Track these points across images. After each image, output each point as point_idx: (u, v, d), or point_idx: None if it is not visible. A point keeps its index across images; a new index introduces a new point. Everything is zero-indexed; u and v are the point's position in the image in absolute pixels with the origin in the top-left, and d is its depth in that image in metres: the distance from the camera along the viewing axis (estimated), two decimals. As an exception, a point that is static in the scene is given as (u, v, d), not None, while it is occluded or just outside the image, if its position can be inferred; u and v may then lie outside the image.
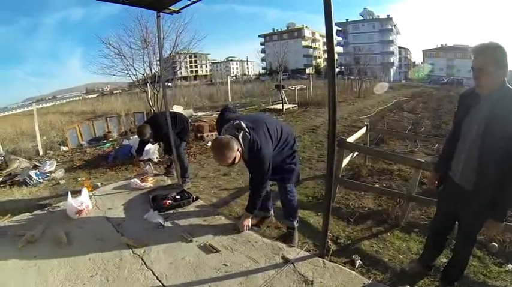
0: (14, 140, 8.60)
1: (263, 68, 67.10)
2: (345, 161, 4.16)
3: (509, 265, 2.45)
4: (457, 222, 2.10)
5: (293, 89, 15.19)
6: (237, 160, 2.20)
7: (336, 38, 54.00)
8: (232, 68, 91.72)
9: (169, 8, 3.30)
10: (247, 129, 2.25)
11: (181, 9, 3.37)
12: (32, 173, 5.02)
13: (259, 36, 77.04)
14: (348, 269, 2.15)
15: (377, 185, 4.14)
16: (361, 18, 62.86)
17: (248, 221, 2.62)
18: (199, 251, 2.34)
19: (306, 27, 71.59)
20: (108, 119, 9.44)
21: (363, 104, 14.58)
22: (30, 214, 3.13)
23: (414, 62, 71.24)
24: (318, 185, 4.27)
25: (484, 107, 1.75)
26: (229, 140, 2.15)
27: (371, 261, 2.54)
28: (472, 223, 1.92)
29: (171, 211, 3.05)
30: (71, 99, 38.36)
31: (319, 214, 3.33)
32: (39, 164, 5.80)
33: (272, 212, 3.10)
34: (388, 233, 2.99)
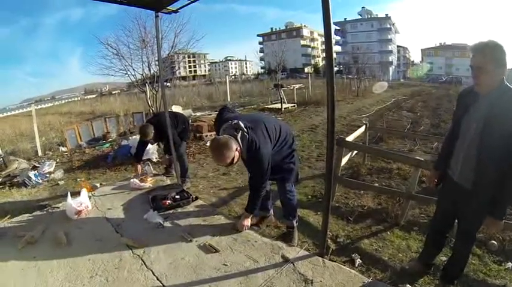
0: (13, 141, 8.57)
1: (262, 68, 67.27)
2: (344, 160, 4.16)
3: (509, 263, 2.45)
4: (456, 220, 2.11)
5: (292, 88, 15.19)
6: (235, 160, 2.20)
7: (335, 37, 54.00)
8: (231, 67, 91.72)
9: (168, 8, 3.29)
10: (245, 129, 2.25)
11: (179, 9, 3.36)
12: (31, 174, 5.01)
13: (258, 35, 77.22)
14: (348, 268, 2.15)
15: (376, 184, 4.14)
16: (360, 17, 62.89)
17: (247, 221, 2.62)
18: (199, 251, 2.34)
19: (305, 26, 71.63)
20: (107, 119, 9.41)
21: (362, 103, 14.60)
22: (29, 214, 3.12)
23: (413, 61, 71.39)
24: (317, 184, 4.27)
25: (482, 105, 1.75)
26: (228, 140, 2.14)
27: (371, 260, 2.54)
28: (472, 221, 1.93)
29: (171, 211, 3.04)
30: (70, 99, 38.29)
31: (318, 213, 3.33)
32: (38, 165, 5.79)
33: (271, 211, 3.10)
34: (388, 232, 2.99)
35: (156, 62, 8.24)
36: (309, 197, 3.91)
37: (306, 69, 60.17)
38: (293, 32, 71.06)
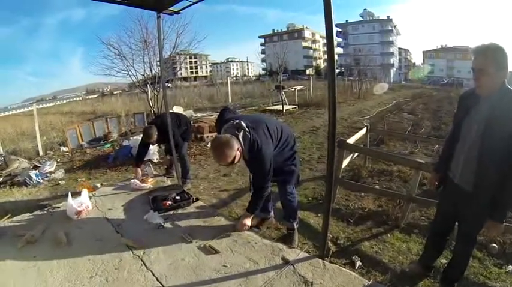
0: (14, 140, 8.60)
1: (263, 69, 67.20)
2: (345, 162, 4.15)
3: (509, 266, 2.44)
4: (457, 223, 2.10)
5: (293, 89, 15.19)
6: (236, 159, 2.18)
7: (336, 39, 54.01)
8: (233, 68, 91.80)
9: (170, 8, 3.30)
10: (247, 129, 2.24)
11: (181, 10, 3.37)
12: (32, 173, 5.02)
13: (260, 37, 77.28)
14: (348, 271, 2.14)
15: (377, 186, 4.13)
16: (361, 19, 62.94)
17: (248, 221, 2.59)
18: (199, 252, 2.34)
19: (306, 28, 71.70)
20: (108, 119, 9.43)
21: (363, 105, 14.59)
22: (30, 214, 3.12)
23: (414, 63, 71.30)
24: (318, 186, 4.27)
25: (483, 107, 1.75)
26: (229, 139, 2.14)
27: (371, 262, 2.54)
28: (472, 224, 1.92)
29: (171, 212, 3.04)
30: (71, 99, 38.32)
31: (319, 215, 3.32)
32: (39, 165, 5.80)
33: (272, 213, 3.10)
34: (388, 234, 2.98)
35: (158, 63, 8.27)
36: (310, 199, 3.91)
37: (307, 71, 60.12)
38: (295, 34, 71.10)
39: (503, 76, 1.68)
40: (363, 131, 4.99)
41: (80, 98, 38.39)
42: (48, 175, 5.23)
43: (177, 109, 9.50)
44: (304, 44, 70.27)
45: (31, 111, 9.46)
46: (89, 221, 2.92)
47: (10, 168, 5.44)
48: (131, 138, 7.11)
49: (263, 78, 49.22)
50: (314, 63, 70.79)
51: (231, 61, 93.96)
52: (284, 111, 12.07)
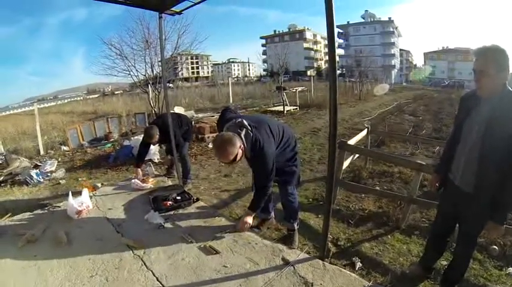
0: (15, 140, 8.60)
1: (264, 70, 67.24)
2: (346, 164, 4.15)
3: (510, 268, 2.44)
4: (457, 224, 2.10)
5: (294, 90, 15.17)
6: (238, 157, 2.17)
7: (337, 40, 54.13)
8: (234, 69, 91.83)
9: (171, 9, 3.31)
10: (249, 128, 2.24)
11: (183, 10, 3.38)
12: (33, 172, 5.03)
13: (261, 38, 77.34)
14: (348, 272, 2.14)
15: (378, 188, 4.13)
16: (363, 20, 62.95)
17: (249, 219, 2.57)
18: (199, 252, 2.34)
19: (308, 29, 71.76)
20: (109, 119, 9.44)
21: (364, 107, 14.60)
22: (30, 213, 3.12)
23: (415, 65, 71.38)
24: (318, 187, 4.27)
25: (484, 109, 1.75)
26: (232, 137, 2.14)
27: (371, 263, 2.53)
28: (473, 225, 1.92)
29: (172, 212, 3.04)
30: (72, 99, 38.33)
31: (319, 216, 3.32)
32: (40, 164, 5.81)
33: (273, 214, 3.10)
34: (389, 236, 2.98)
35: (159, 63, 8.29)
36: (310, 200, 3.90)
37: (308, 72, 60.16)
38: (296, 35, 71.16)
39: (504, 78, 1.68)
40: (364, 132, 4.99)
41: (81, 98, 38.37)
42: (49, 174, 5.24)
43: (178, 109, 9.51)
44: (305, 45, 70.33)
45: (32, 111, 9.48)
46: (90, 220, 2.93)
47: (11, 167, 5.45)
48: (132, 138, 7.11)
49: (264, 79, 49.18)
50: (315, 65, 70.80)
51: (232, 62, 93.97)
52: (285, 112, 12.07)
